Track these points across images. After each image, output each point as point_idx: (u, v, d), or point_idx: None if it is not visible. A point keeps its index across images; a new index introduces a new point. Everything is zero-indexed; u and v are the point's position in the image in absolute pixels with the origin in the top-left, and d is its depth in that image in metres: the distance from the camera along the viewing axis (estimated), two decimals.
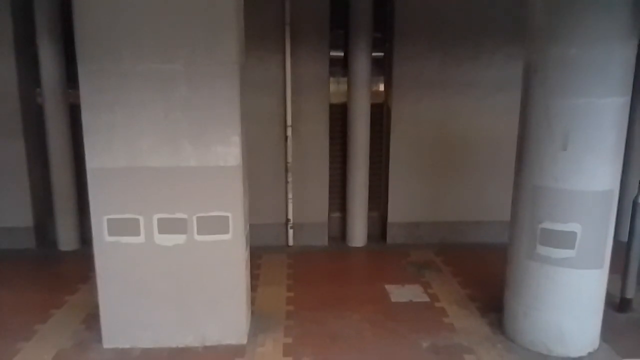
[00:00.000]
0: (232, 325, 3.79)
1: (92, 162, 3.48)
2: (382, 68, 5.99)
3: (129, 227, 3.56)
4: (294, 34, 5.48)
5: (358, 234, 6.00)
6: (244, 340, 3.80)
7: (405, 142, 5.86)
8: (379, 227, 6.27)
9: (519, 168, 3.71)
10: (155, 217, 3.56)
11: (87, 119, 3.43)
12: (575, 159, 3.39)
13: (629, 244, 4.15)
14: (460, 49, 5.65)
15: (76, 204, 5.74)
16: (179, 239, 3.60)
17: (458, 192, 5.96)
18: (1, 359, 3.63)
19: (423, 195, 5.98)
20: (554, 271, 3.54)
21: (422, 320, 4.21)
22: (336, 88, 5.91)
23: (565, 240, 3.48)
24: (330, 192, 5.97)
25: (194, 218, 3.57)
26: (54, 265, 5.46)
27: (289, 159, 5.73)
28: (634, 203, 4.10)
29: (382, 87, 6.07)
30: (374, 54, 5.70)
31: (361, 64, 5.62)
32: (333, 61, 5.76)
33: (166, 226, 3.57)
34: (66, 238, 5.77)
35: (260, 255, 5.45)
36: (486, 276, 4.93)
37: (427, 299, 4.59)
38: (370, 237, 6.09)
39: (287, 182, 5.78)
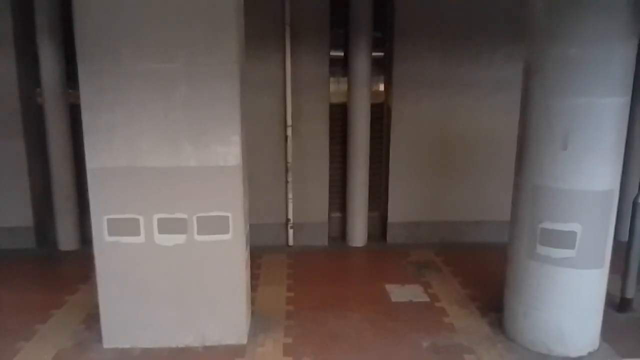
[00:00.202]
0: (232, 325, 3.79)
1: (92, 162, 3.48)
2: (382, 68, 5.99)
3: (129, 227, 3.56)
4: (294, 33, 5.48)
5: (358, 234, 6.00)
6: (244, 340, 3.80)
7: (406, 142, 5.86)
8: (379, 227, 6.27)
9: (519, 168, 3.71)
10: (155, 217, 3.56)
11: (87, 118, 3.43)
12: (575, 159, 3.39)
13: (629, 244, 4.15)
14: (461, 49, 5.65)
15: (76, 204, 5.74)
16: (179, 239, 3.60)
17: (458, 192, 5.96)
18: (1, 358, 3.63)
19: (423, 195, 5.98)
20: (554, 271, 3.54)
21: (422, 320, 4.21)
22: (336, 88, 5.91)
23: (566, 240, 3.48)
24: (330, 192, 5.97)
25: (194, 218, 3.57)
26: (54, 265, 5.46)
27: (289, 159, 5.73)
28: (634, 203, 4.10)
29: (382, 87, 6.07)
30: (374, 53, 5.70)
31: (361, 64, 5.62)
32: (333, 61, 5.76)
33: (166, 226, 3.57)
34: (66, 238, 5.77)
35: (260, 255, 5.45)
36: (486, 276, 4.93)
37: (427, 299, 4.59)
38: (370, 237, 6.09)
39: (287, 182, 5.78)
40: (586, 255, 3.50)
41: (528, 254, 3.65)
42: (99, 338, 3.74)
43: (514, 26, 5.27)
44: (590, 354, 3.66)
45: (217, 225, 3.59)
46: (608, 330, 3.83)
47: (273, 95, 5.62)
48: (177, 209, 3.56)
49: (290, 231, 5.90)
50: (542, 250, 3.57)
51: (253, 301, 4.36)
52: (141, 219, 3.55)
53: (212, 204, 3.57)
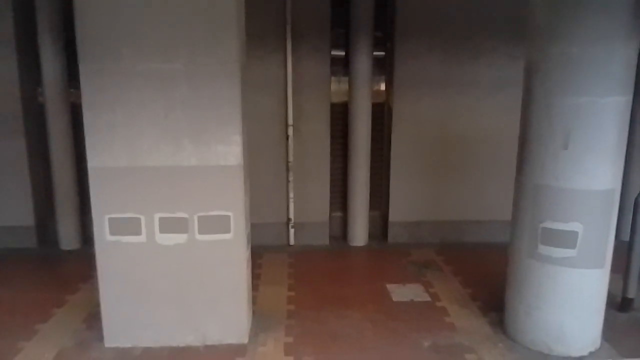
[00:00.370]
0: (233, 325, 3.79)
1: (93, 161, 3.49)
2: (383, 67, 5.99)
3: (130, 227, 3.56)
4: (295, 33, 5.48)
5: (359, 233, 6.00)
6: (245, 340, 3.81)
7: (406, 141, 5.86)
8: (380, 226, 6.27)
9: (520, 167, 3.71)
10: (157, 216, 3.56)
11: (88, 118, 3.43)
12: (576, 158, 3.39)
13: (630, 244, 4.14)
14: (461, 49, 5.65)
15: (77, 203, 5.75)
16: (180, 238, 3.60)
17: (459, 192, 5.95)
18: (2, 358, 3.63)
19: (424, 195, 5.98)
20: (555, 270, 3.54)
21: (423, 319, 4.21)
22: (337, 87, 5.91)
23: (567, 239, 3.48)
24: (331, 192, 5.97)
25: (195, 217, 3.57)
26: (55, 265, 5.47)
27: (290, 158, 5.73)
28: (636, 202, 4.09)
29: (383, 87, 6.07)
30: (375, 53, 5.70)
31: (362, 63, 5.61)
32: (334, 60, 5.76)
33: (167, 225, 3.57)
34: (67, 237, 5.78)
35: (261, 255, 5.45)
36: (487, 275, 4.93)
37: (428, 299, 4.59)
38: (371, 236, 6.08)
39: (288, 181, 5.78)
40: (587, 255, 3.50)
41: (529, 253, 3.64)
42: (100, 337, 3.75)
43: (515, 26, 5.27)
44: (591, 353, 3.65)
45: (218, 224, 3.59)
46: (609, 330, 3.83)
47: (274, 94, 5.62)
48: (178, 209, 3.56)
49: (291, 230, 5.90)
50: (543, 249, 3.57)
51: (254, 300, 4.37)
52: (142, 218, 3.55)
53: (213, 204, 3.57)
